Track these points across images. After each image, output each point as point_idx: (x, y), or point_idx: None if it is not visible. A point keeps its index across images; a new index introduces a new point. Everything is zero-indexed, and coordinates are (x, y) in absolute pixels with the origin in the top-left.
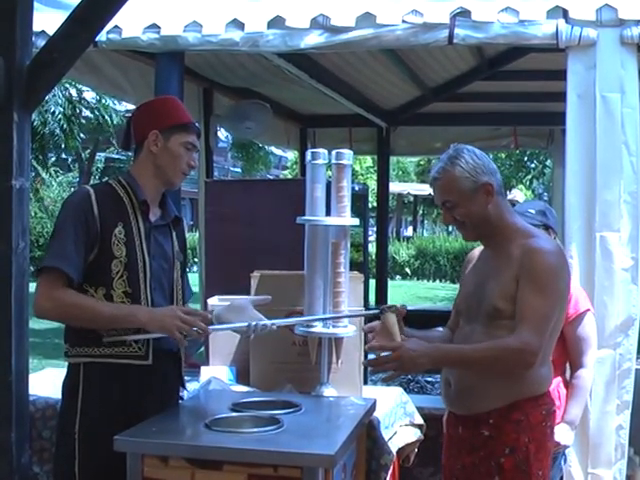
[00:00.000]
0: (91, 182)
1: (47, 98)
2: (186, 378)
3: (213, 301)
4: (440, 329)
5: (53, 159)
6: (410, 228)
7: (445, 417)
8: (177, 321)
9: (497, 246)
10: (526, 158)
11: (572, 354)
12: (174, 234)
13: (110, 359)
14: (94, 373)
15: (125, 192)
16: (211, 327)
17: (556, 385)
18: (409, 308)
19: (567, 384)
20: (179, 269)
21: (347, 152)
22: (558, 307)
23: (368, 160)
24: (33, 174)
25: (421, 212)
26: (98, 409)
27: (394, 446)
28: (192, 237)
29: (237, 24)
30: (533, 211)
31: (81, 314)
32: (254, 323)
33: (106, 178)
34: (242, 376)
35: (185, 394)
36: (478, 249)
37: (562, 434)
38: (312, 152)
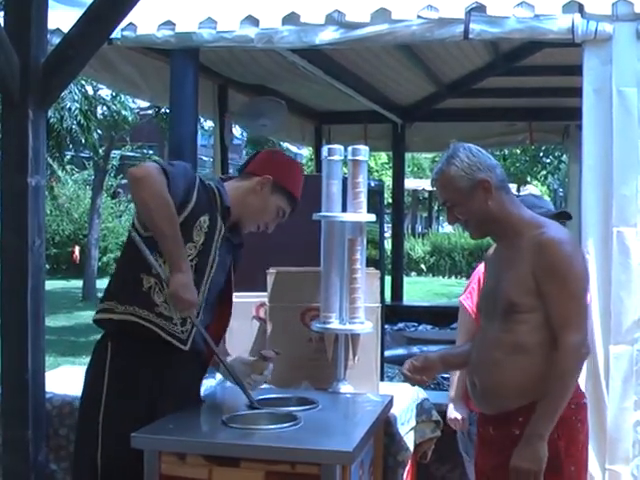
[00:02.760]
0: (106, 181)
1: (63, 94)
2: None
3: None
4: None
5: (69, 157)
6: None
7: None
8: (187, 304)
9: (507, 241)
10: (541, 153)
11: None
12: (233, 255)
13: (155, 328)
14: (132, 335)
15: (212, 193)
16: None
17: None
18: (425, 304)
19: None
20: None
21: (363, 148)
22: (584, 290)
23: (383, 156)
24: (49, 172)
25: (436, 208)
26: (124, 386)
27: (411, 442)
28: None
29: (252, 20)
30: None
31: (165, 211)
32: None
33: (121, 175)
34: None
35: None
36: (492, 248)
37: None
38: (328, 148)
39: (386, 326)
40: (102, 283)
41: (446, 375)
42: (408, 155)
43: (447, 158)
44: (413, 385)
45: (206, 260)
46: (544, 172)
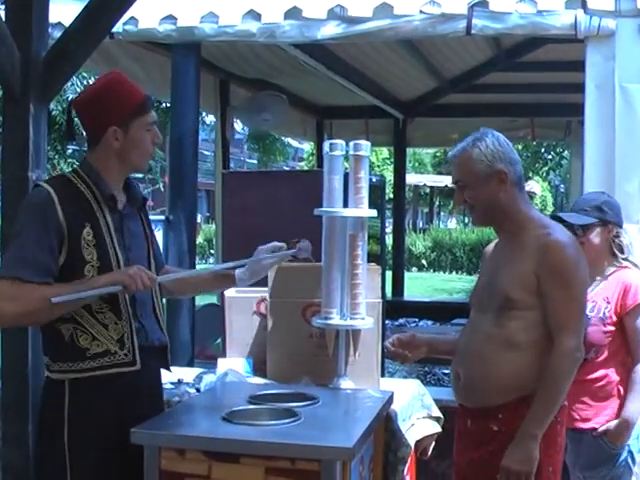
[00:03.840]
0: None
1: (65, 87)
2: (202, 370)
3: (230, 293)
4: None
5: (70, 150)
6: (453, 220)
7: None
8: (125, 276)
9: (510, 235)
10: (543, 149)
11: (632, 346)
12: (142, 215)
13: (97, 371)
14: (80, 388)
15: (87, 186)
16: (158, 277)
17: (614, 379)
18: (426, 300)
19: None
20: (155, 250)
21: (365, 143)
22: (584, 294)
23: (384, 152)
24: (49, 166)
25: (437, 204)
26: (87, 422)
27: (412, 439)
28: (209, 229)
29: (254, 15)
30: (588, 208)
31: (47, 312)
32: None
33: None
34: (259, 368)
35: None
36: (492, 243)
37: (616, 431)
38: (330, 143)
39: (387, 322)
40: None
41: (446, 371)
42: (409, 150)
43: (474, 139)
44: (393, 360)
45: (110, 267)
46: (546, 168)
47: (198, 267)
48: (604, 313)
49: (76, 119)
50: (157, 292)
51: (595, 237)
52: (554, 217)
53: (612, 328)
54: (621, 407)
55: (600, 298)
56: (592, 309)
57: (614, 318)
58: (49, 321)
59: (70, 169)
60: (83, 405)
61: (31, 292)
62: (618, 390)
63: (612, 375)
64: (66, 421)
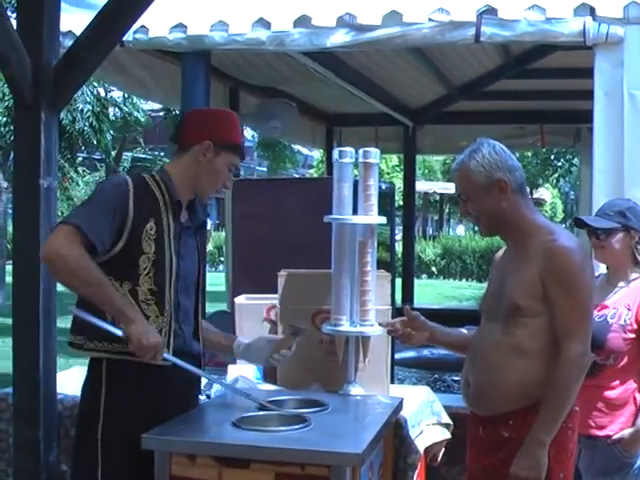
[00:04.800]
0: None
1: (75, 96)
2: (213, 377)
3: (240, 300)
4: (464, 330)
5: (80, 159)
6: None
7: None
8: (155, 349)
9: (516, 243)
10: (553, 156)
11: None
12: (197, 237)
13: (131, 357)
14: (116, 371)
15: (159, 189)
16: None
17: (631, 387)
18: (436, 307)
19: None
20: (202, 271)
21: (374, 150)
22: (591, 300)
23: (394, 159)
24: (60, 174)
25: (447, 211)
26: (122, 412)
27: (421, 445)
28: (218, 236)
29: (263, 23)
30: (612, 213)
31: (89, 281)
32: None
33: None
34: (269, 375)
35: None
36: (501, 250)
37: (630, 440)
38: (339, 151)
39: None
40: None
41: (456, 377)
42: (419, 157)
43: (470, 151)
44: (393, 337)
45: (163, 267)
46: (555, 175)
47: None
48: (625, 320)
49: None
50: (199, 305)
51: (616, 242)
52: (576, 220)
53: (632, 335)
54: (636, 415)
55: (621, 305)
56: (613, 316)
57: (635, 325)
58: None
59: (80, 177)
60: (118, 390)
61: (84, 260)
62: (634, 398)
63: (630, 383)
64: (102, 410)
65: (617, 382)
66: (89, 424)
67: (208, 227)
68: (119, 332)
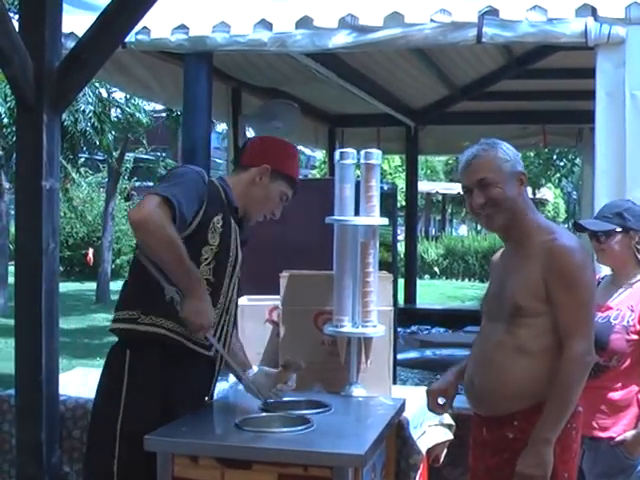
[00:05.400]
0: (120, 183)
1: (77, 97)
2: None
3: (242, 301)
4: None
5: (83, 159)
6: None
7: None
8: (200, 328)
9: (516, 243)
10: (555, 156)
11: None
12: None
13: (180, 337)
14: (138, 364)
15: (223, 192)
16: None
17: (635, 389)
18: (438, 307)
19: None
20: (239, 283)
21: (376, 152)
22: (592, 299)
23: (396, 159)
24: (62, 175)
25: (449, 211)
26: (141, 408)
27: (423, 446)
28: None
29: (265, 24)
30: (610, 215)
31: (172, 252)
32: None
33: (135, 178)
34: None
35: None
36: (499, 251)
37: (633, 442)
38: (341, 152)
39: (399, 329)
40: (116, 285)
41: None
42: (421, 158)
43: (490, 143)
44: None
45: (225, 260)
46: (558, 175)
47: None
48: (628, 321)
49: None
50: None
51: (616, 244)
52: (576, 224)
53: (636, 337)
54: (639, 417)
55: (624, 306)
56: (616, 317)
57: (638, 327)
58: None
59: (82, 177)
60: (141, 382)
61: (171, 232)
62: (637, 400)
63: (633, 385)
64: (125, 384)
65: (620, 384)
66: (107, 421)
67: None
68: (177, 296)
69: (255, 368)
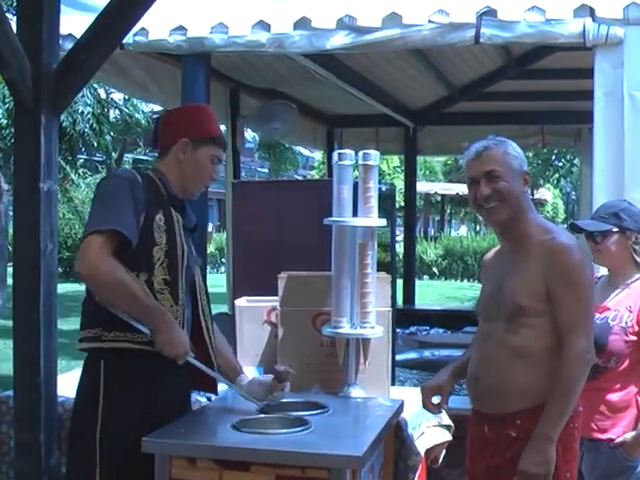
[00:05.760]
0: None
1: (76, 98)
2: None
3: (241, 302)
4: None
5: (81, 160)
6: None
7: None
8: (177, 357)
9: (515, 241)
10: (554, 157)
11: None
12: (192, 239)
13: (147, 347)
14: (114, 372)
15: (160, 184)
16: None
17: (633, 390)
18: (438, 308)
19: None
20: (199, 273)
21: (374, 153)
22: (592, 297)
23: (395, 160)
24: (61, 176)
25: (448, 211)
26: (120, 414)
27: (422, 447)
28: (220, 238)
29: (263, 25)
30: (606, 215)
31: (127, 295)
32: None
33: None
34: None
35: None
36: (492, 251)
37: (632, 443)
38: (339, 153)
39: (398, 330)
40: None
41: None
42: (420, 158)
43: (500, 140)
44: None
45: (175, 256)
46: (557, 175)
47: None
48: (626, 322)
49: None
50: (203, 301)
51: (613, 244)
52: (572, 225)
53: (634, 338)
54: (638, 419)
55: (622, 307)
56: (614, 318)
57: (636, 328)
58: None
59: (81, 178)
60: (117, 390)
61: (119, 271)
62: (637, 401)
63: (632, 386)
64: (100, 405)
65: (619, 385)
66: (86, 426)
67: (210, 229)
68: (147, 331)
69: (251, 370)
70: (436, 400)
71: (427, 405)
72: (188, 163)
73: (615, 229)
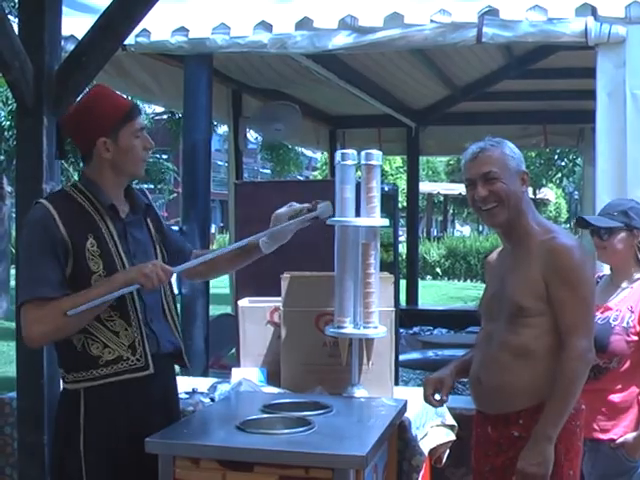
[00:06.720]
0: None
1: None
2: (217, 380)
3: (244, 303)
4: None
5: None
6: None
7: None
8: (140, 275)
9: (515, 243)
10: (556, 156)
11: None
12: (148, 220)
13: (111, 378)
14: (95, 397)
15: (86, 199)
16: (173, 269)
17: (635, 390)
18: (440, 308)
19: None
20: (164, 252)
21: (376, 153)
22: (593, 296)
23: (398, 160)
24: (64, 177)
25: (451, 212)
26: (102, 431)
27: (425, 447)
28: (223, 239)
29: (265, 26)
30: (615, 212)
31: (74, 326)
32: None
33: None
34: (273, 377)
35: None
36: (495, 252)
37: (633, 444)
38: (341, 153)
39: (401, 330)
40: None
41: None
42: (423, 159)
43: (497, 140)
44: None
45: (116, 270)
46: (559, 175)
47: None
48: (628, 322)
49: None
50: (168, 294)
51: (619, 242)
52: (579, 219)
53: (636, 338)
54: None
55: (624, 307)
56: (616, 318)
57: (638, 328)
58: (77, 331)
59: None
60: (98, 414)
61: (54, 309)
62: (638, 402)
63: (633, 386)
64: (82, 430)
65: (620, 386)
66: (69, 446)
67: (213, 230)
68: (127, 289)
69: (254, 371)
70: (437, 397)
71: (428, 398)
72: (117, 155)
73: (623, 227)
